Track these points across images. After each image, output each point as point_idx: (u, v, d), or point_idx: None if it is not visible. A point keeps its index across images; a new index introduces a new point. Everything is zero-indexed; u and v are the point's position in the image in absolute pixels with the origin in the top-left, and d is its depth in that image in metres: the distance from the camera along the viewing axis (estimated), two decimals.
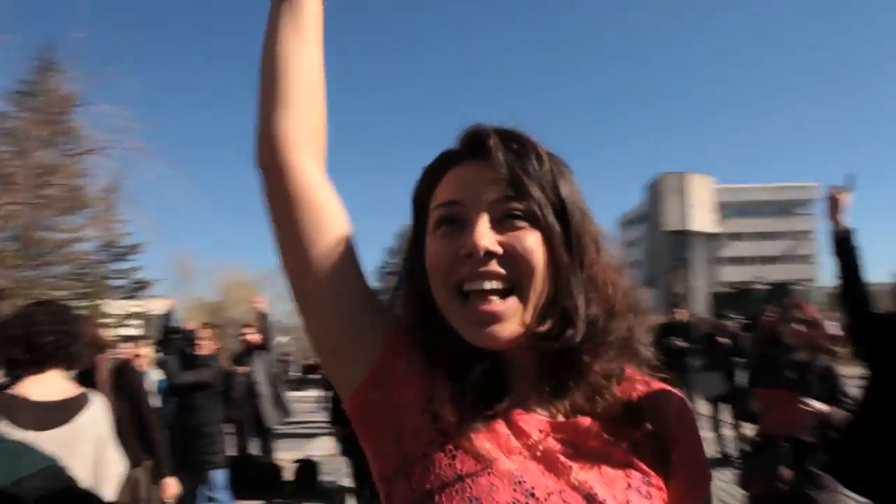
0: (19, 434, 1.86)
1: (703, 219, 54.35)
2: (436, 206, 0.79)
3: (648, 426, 0.77)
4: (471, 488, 0.67)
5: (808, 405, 3.17)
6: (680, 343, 8.20)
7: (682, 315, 8.99)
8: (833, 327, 3.68)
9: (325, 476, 6.75)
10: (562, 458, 0.71)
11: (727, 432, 7.40)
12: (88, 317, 4.93)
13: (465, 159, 0.80)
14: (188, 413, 4.82)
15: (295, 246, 0.80)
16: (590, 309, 0.76)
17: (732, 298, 21.96)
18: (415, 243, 0.85)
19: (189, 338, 5.32)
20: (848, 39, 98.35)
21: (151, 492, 2.94)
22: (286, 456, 7.52)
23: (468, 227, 0.74)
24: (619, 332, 0.78)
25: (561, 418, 0.76)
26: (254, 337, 7.23)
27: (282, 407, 7.38)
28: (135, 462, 2.79)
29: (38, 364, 2.03)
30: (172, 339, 5.80)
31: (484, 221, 0.74)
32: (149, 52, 78.75)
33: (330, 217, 0.82)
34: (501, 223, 0.75)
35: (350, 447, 4.93)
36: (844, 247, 2.89)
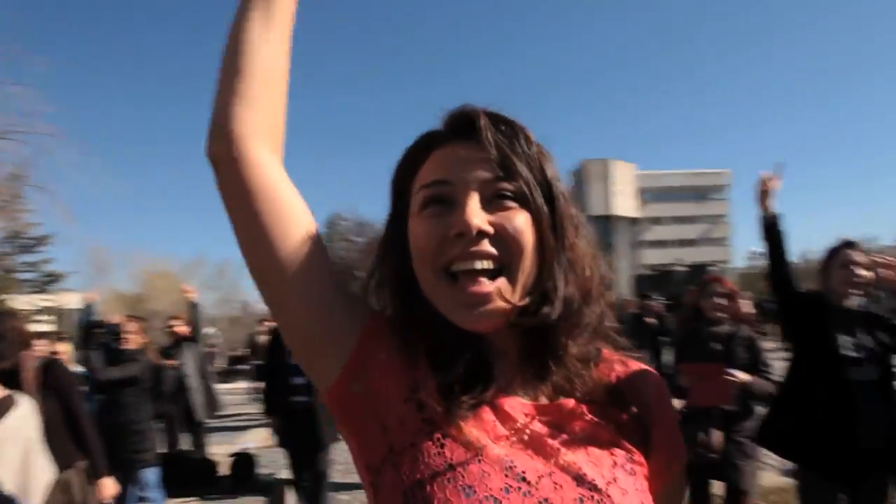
0: None
1: (625, 204, 56.45)
2: (422, 187, 0.78)
3: (633, 408, 0.79)
4: (463, 476, 0.67)
5: (733, 376, 3.31)
6: None
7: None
8: (746, 305, 3.91)
9: (262, 469, 6.63)
10: (549, 440, 0.72)
11: None
12: (13, 311, 4.60)
13: (451, 140, 0.79)
14: (115, 410, 4.61)
15: (259, 241, 0.78)
16: (567, 289, 0.77)
17: (654, 280, 22.94)
18: (393, 227, 0.84)
19: (115, 332, 5.08)
20: (754, 30, 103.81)
21: (87, 493, 2.80)
22: (218, 450, 7.34)
23: (457, 208, 0.74)
24: (592, 315, 0.79)
25: (544, 400, 0.77)
26: (182, 328, 7.00)
27: (212, 400, 7.19)
28: (67, 463, 2.65)
29: None
30: (96, 334, 5.52)
31: (475, 201, 0.73)
32: (65, 33, 73.76)
33: (293, 210, 0.80)
34: (491, 203, 0.74)
35: (287, 438, 4.84)
36: (772, 231, 3.06)
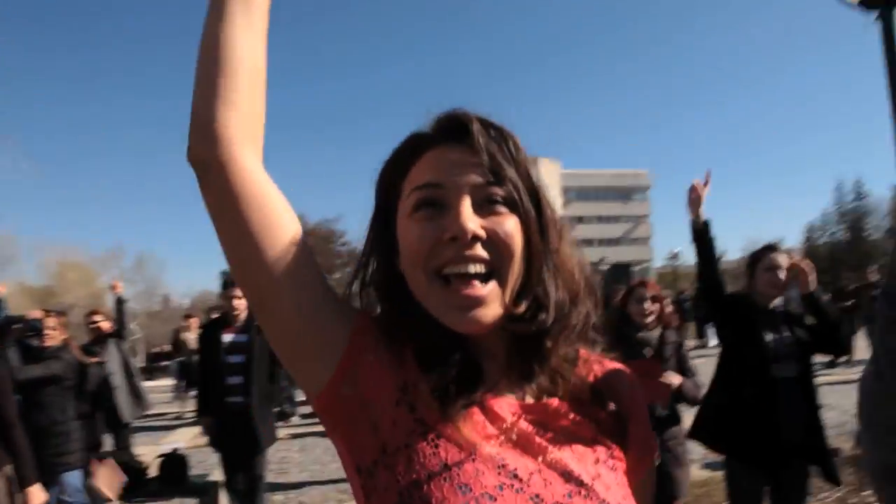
0: None
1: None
2: (414, 189, 0.78)
3: (611, 405, 0.83)
4: (458, 475, 0.68)
5: (667, 378, 3.37)
6: None
7: None
8: (667, 304, 4.04)
9: (193, 470, 6.38)
10: (536, 438, 0.74)
11: None
12: None
13: (441, 143, 0.80)
14: (36, 411, 4.31)
15: (246, 245, 0.77)
16: (558, 294, 0.80)
17: None
18: (379, 229, 0.85)
19: (33, 328, 4.73)
20: (665, 29, 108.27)
21: (15, 500, 2.59)
22: (143, 451, 7.02)
23: (450, 211, 0.75)
24: (580, 318, 0.82)
25: (530, 400, 0.79)
26: (105, 324, 6.64)
27: (139, 399, 6.87)
28: None
29: None
30: (11, 330, 5.13)
31: (467, 205, 0.74)
32: None
33: (280, 213, 0.79)
34: (482, 207, 0.76)
35: (221, 439, 4.66)
36: (703, 237, 3.19)
